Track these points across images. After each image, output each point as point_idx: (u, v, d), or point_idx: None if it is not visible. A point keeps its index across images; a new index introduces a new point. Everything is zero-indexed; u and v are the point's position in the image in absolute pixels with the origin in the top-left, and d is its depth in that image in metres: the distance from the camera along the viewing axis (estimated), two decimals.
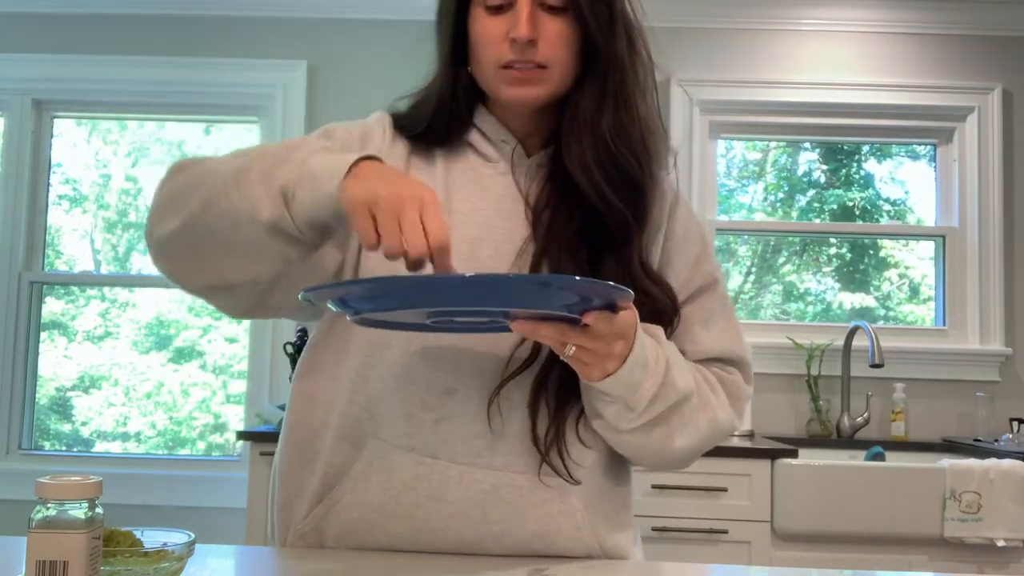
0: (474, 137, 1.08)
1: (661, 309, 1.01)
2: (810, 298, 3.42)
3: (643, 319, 0.94)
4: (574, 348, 0.86)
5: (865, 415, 3.06)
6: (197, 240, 0.94)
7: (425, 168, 1.07)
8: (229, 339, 3.42)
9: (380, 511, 1.00)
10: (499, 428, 0.99)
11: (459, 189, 1.05)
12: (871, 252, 3.42)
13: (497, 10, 1.00)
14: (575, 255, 1.00)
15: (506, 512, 0.99)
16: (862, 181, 3.44)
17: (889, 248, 3.42)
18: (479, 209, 1.04)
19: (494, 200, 1.05)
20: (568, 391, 0.98)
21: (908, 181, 3.43)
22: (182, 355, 3.43)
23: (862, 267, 3.42)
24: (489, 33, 1.01)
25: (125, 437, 3.40)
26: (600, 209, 1.00)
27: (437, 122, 1.07)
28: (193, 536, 0.86)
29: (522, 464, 0.99)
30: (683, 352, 1.04)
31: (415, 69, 1.11)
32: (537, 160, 1.07)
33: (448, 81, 1.06)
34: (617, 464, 1.07)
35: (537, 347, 0.98)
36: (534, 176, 1.06)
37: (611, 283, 0.83)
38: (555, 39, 1.00)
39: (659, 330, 0.98)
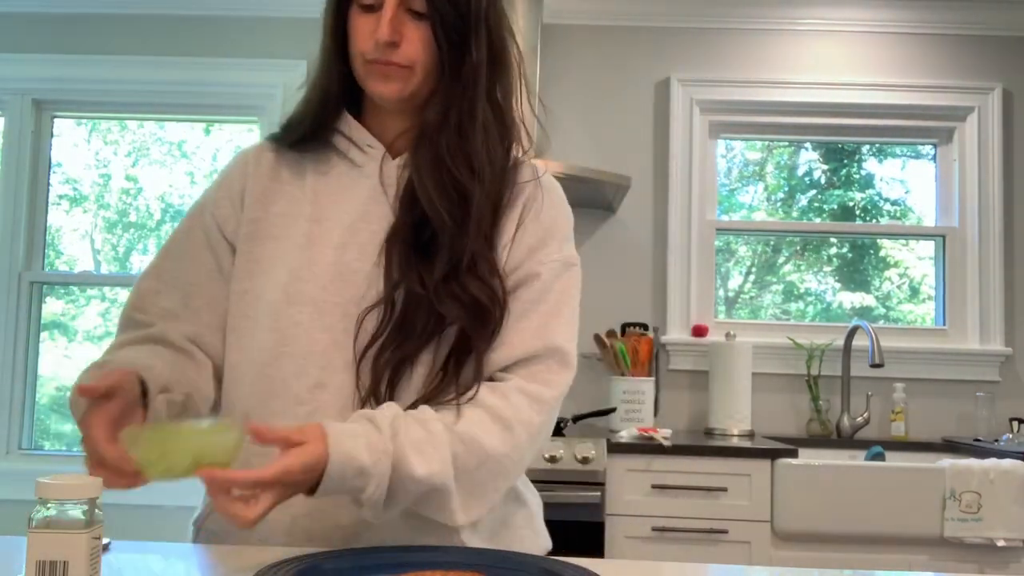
0: (342, 143, 1.15)
1: (482, 309, 1.05)
2: (810, 298, 3.42)
3: (464, 318, 1.04)
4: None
5: (865, 415, 3.06)
6: None
7: (294, 181, 1.15)
8: None
9: None
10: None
11: (328, 196, 1.13)
12: (871, 252, 3.42)
13: (368, 9, 1.07)
14: (414, 247, 1.07)
15: None
16: (862, 181, 3.44)
17: (889, 248, 3.42)
18: (346, 213, 1.11)
19: (360, 204, 1.12)
20: (401, 362, 1.04)
21: (908, 181, 3.43)
22: None
23: (862, 267, 3.42)
24: (359, 30, 1.08)
25: None
26: (429, 215, 1.06)
27: (320, 115, 1.14)
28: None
29: None
30: (496, 349, 1.06)
31: None
32: (400, 161, 1.14)
33: (331, 72, 1.13)
34: None
35: (378, 335, 1.04)
36: (399, 176, 1.12)
37: None
38: (416, 42, 1.07)
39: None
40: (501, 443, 1.00)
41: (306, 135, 1.15)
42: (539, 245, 1.12)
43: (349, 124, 1.15)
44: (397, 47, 1.06)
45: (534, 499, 1.21)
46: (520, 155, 1.17)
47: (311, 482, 0.90)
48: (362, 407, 1.03)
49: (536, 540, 1.17)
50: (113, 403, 0.93)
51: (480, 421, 1.00)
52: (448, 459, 0.96)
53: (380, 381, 1.03)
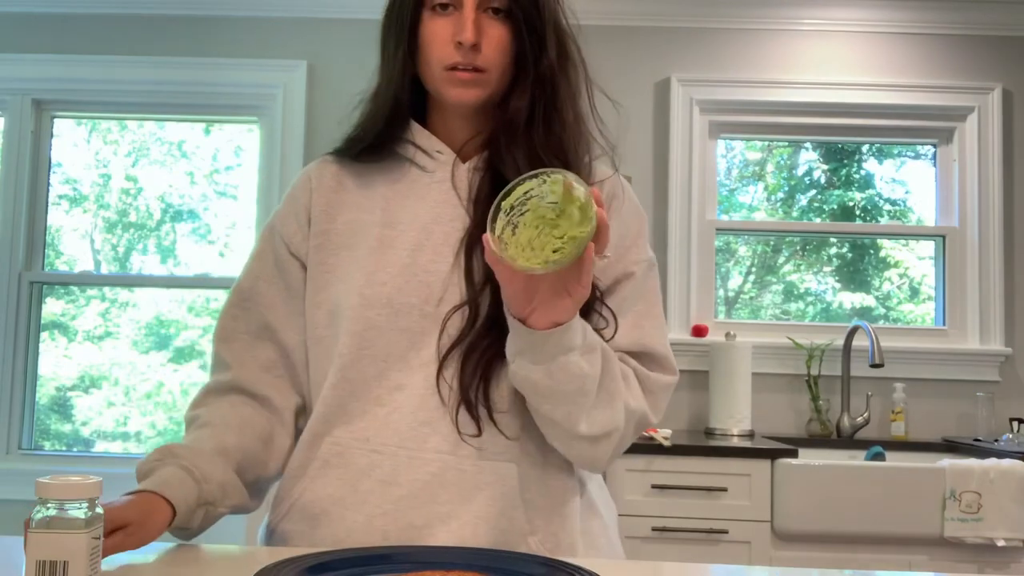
0: (410, 152, 1.15)
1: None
2: (810, 298, 3.42)
3: None
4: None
5: (865, 415, 3.06)
6: None
7: (360, 190, 1.16)
8: None
9: (339, 502, 1.06)
10: (441, 416, 1.05)
11: (398, 202, 1.13)
12: (871, 252, 3.42)
13: (443, 8, 1.07)
14: None
15: (453, 494, 1.05)
16: (862, 181, 3.44)
17: (889, 248, 3.42)
18: (418, 217, 1.11)
19: (432, 207, 1.12)
20: (491, 362, 1.04)
21: (909, 181, 3.43)
22: (182, 355, 3.43)
23: (862, 267, 3.42)
24: (435, 35, 1.08)
25: (125, 437, 3.40)
26: None
27: (390, 126, 1.13)
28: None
29: (466, 448, 1.05)
30: (602, 332, 1.09)
31: None
32: (472, 164, 1.14)
33: (402, 80, 1.11)
34: (556, 456, 1.09)
35: (464, 335, 1.05)
36: (470, 179, 1.13)
37: None
38: (495, 44, 1.07)
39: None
40: (631, 397, 1.06)
41: (374, 145, 1.15)
42: (628, 244, 1.14)
43: (415, 131, 1.15)
44: (480, 50, 1.06)
45: (607, 511, 1.21)
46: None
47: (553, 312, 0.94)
48: (451, 407, 1.05)
49: (610, 552, 1.16)
50: (134, 536, 0.95)
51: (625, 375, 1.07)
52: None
53: (472, 380, 1.04)
